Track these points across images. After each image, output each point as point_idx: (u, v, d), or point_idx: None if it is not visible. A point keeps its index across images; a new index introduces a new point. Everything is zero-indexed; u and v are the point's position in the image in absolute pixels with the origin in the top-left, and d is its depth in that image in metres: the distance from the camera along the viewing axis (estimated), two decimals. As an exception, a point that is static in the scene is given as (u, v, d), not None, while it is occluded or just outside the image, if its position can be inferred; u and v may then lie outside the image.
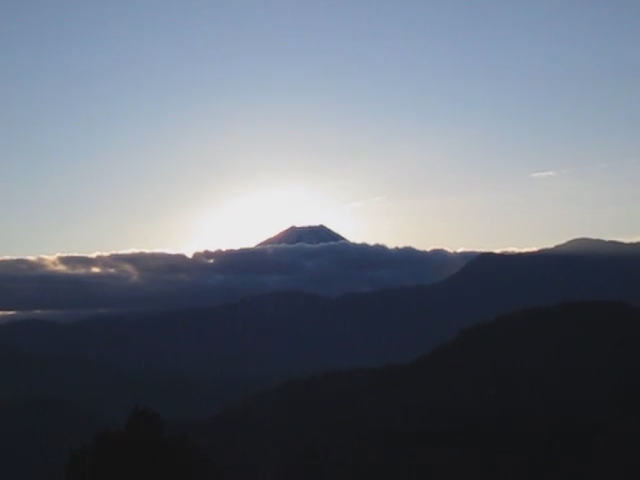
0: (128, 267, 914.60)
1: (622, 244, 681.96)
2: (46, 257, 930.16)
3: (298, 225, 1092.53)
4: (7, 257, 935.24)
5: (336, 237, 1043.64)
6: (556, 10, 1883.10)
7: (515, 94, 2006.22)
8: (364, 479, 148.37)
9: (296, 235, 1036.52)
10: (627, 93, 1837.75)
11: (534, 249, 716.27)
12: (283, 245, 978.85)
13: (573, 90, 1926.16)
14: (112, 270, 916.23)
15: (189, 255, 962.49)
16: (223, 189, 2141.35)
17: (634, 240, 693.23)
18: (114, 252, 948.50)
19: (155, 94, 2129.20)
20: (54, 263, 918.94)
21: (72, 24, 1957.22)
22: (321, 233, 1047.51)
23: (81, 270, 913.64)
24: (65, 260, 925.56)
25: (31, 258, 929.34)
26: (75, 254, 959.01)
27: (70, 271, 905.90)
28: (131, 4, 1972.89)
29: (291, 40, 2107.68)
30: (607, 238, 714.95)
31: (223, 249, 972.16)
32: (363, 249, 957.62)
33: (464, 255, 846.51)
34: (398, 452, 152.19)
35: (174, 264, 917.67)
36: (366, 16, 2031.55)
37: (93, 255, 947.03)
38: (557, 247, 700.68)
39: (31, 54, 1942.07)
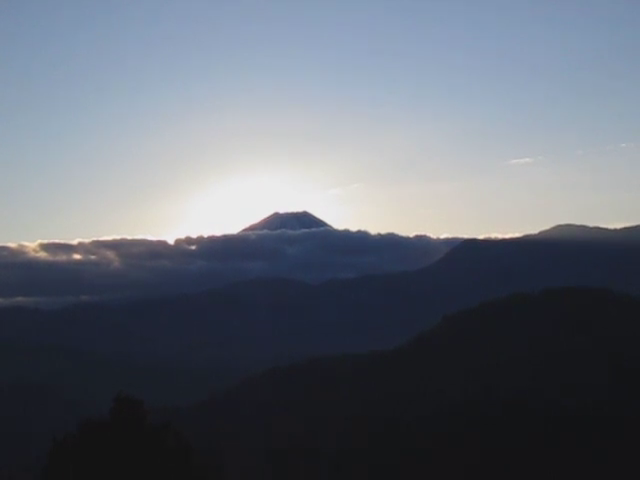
0: (109, 253, 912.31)
1: (606, 230, 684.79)
2: (27, 244, 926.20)
3: (281, 211, 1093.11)
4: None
5: (319, 223, 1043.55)
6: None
7: (492, 81, 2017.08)
8: (348, 464, 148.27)
9: (279, 221, 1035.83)
10: (604, 80, 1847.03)
11: (518, 235, 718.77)
12: (266, 231, 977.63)
13: (549, 77, 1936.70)
14: (93, 257, 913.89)
15: (171, 241, 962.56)
16: (206, 175, 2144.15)
17: (618, 226, 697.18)
18: (95, 238, 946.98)
19: (137, 82, 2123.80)
20: (35, 250, 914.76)
21: (59, 11, 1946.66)
22: (304, 219, 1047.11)
23: (62, 257, 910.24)
24: (46, 247, 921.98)
25: (12, 245, 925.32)
26: (56, 241, 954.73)
27: (51, 258, 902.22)
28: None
29: (274, 28, 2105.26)
30: (591, 224, 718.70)
31: (205, 235, 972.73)
32: (346, 235, 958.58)
33: (447, 241, 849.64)
34: (382, 438, 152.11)
35: (156, 250, 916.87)
36: (346, 3, 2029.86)
37: (74, 242, 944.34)
38: (541, 233, 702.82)
39: (15, 43, 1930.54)
